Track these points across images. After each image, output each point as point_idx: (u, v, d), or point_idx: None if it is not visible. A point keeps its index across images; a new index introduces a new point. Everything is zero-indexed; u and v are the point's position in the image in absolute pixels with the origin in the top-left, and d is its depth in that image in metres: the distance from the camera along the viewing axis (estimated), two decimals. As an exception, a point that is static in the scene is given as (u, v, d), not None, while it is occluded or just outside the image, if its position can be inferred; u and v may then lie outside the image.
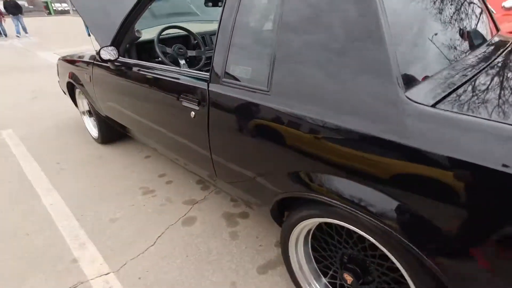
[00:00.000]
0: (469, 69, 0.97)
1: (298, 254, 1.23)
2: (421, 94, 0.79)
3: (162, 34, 2.22)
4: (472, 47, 1.14)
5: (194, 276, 1.43)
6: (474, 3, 1.33)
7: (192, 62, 2.27)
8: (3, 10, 11.65)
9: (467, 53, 1.08)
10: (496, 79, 0.93)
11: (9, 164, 2.48)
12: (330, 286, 1.23)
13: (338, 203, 0.91)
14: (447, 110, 0.73)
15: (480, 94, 0.82)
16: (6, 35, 11.79)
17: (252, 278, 1.41)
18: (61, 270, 1.49)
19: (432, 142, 0.71)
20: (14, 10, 11.41)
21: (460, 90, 0.84)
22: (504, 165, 0.62)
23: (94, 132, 2.77)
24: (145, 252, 1.57)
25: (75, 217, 1.84)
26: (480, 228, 0.68)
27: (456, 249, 0.72)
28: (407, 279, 0.88)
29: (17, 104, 3.93)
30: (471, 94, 0.82)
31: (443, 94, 0.80)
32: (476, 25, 1.25)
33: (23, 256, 1.57)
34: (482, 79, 0.91)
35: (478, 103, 0.77)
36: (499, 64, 1.05)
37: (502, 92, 0.84)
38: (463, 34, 1.11)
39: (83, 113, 2.85)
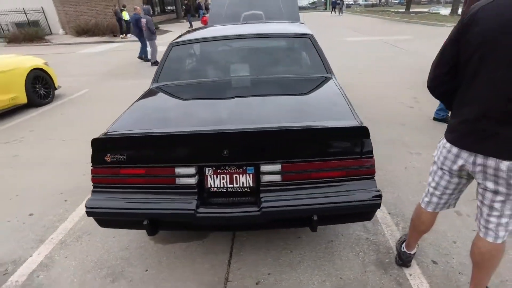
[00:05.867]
0: (182, 81, 2.71)
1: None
2: (158, 84, 2.68)
3: None
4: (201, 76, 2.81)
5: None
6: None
7: None
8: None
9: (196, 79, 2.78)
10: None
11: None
12: None
13: None
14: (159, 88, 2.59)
15: (177, 89, 2.54)
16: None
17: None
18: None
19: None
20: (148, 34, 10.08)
21: (165, 85, 2.62)
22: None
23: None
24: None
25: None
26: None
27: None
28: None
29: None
30: (167, 87, 2.60)
31: (161, 85, 2.65)
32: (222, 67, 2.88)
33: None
34: (187, 87, 2.62)
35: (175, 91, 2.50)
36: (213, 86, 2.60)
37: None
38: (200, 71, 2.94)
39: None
